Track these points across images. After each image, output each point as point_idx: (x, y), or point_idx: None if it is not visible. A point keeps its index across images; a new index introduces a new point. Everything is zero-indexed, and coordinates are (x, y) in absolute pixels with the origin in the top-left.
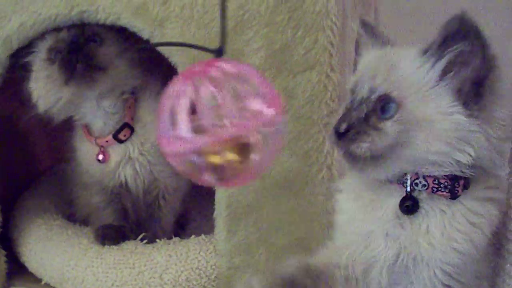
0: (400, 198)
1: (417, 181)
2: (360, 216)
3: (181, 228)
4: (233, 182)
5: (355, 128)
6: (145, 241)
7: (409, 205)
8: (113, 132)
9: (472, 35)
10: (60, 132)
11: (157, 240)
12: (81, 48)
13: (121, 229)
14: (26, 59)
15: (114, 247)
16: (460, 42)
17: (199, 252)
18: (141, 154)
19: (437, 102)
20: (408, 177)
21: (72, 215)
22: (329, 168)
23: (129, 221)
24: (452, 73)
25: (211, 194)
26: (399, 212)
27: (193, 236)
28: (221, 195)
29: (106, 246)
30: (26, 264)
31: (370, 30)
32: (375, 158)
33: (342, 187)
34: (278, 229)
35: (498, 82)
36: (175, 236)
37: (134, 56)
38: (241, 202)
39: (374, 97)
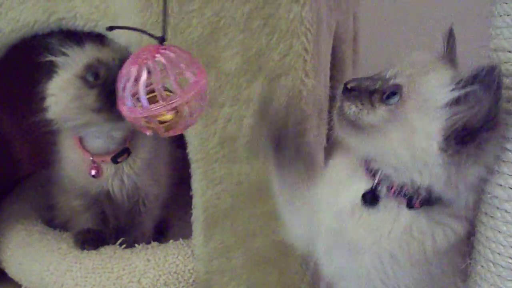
0: (365, 189)
1: (385, 178)
2: (326, 191)
3: (161, 233)
4: (172, 132)
5: (359, 92)
6: (124, 245)
7: (369, 197)
8: (111, 154)
9: (493, 85)
10: (41, 138)
11: (136, 245)
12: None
13: (100, 233)
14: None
15: (93, 251)
16: (481, 86)
17: (177, 257)
18: (131, 169)
19: (430, 121)
20: (380, 171)
21: (52, 220)
22: None
23: (109, 225)
24: (457, 107)
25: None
26: (358, 200)
27: (171, 240)
28: (198, 200)
29: (85, 251)
30: (6, 270)
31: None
32: (356, 127)
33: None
34: (254, 233)
35: (497, 141)
36: (154, 241)
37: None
38: (217, 207)
39: (391, 82)
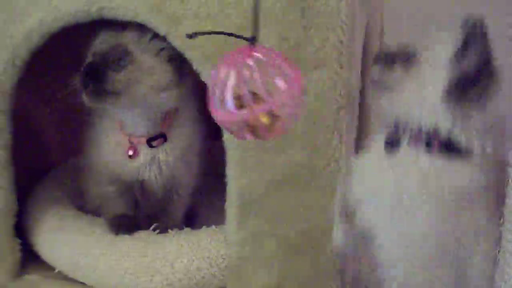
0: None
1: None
2: None
3: (190, 220)
4: (265, 137)
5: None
6: (157, 231)
7: (390, 141)
8: (146, 136)
9: (480, 36)
10: (72, 127)
11: (169, 230)
12: (96, 71)
13: (135, 219)
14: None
15: (127, 236)
16: (472, 39)
17: (210, 242)
18: (166, 160)
19: (438, 75)
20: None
21: (83, 207)
22: (336, 161)
23: (142, 212)
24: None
25: (220, 189)
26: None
27: (204, 226)
28: (233, 187)
29: (119, 235)
30: (40, 253)
31: None
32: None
33: None
34: (285, 221)
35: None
36: (185, 225)
37: (166, 74)
38: (251, 194)
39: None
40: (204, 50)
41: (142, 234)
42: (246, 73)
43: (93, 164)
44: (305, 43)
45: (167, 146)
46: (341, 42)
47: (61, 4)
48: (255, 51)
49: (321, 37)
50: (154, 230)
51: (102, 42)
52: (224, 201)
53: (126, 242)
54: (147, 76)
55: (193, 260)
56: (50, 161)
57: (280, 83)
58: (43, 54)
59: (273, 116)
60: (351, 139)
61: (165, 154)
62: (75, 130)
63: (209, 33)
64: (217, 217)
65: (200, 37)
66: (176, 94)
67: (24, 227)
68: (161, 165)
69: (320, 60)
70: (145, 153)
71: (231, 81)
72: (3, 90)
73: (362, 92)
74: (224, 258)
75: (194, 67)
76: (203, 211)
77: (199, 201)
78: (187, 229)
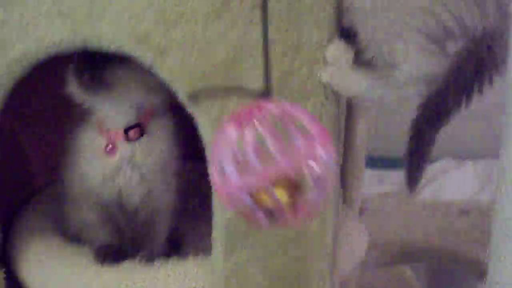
0: None
1: None
2: None
3: (175, 246)
4: (286, 222)
5: None
6: (143, 260)
7: None
8: (123, 126)
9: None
10: (56, 149)
11: (156, 260)
12: (93, 61)
13: (121, 248)
14: None
15: (113, 267)
16: None
17: (196, 272)
18: (144, 162)
19: None
20: None
21: (65, 232)
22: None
23: (125, 239)
24: None
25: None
26: None
27: (190, 256)
28: (219, 218)
29: (105, 266)
30: (25, 281)
31: None
32: None
33: None
34: (275, 249)
35: None
36: (170, 254)
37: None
38: (238, 224)
39: None
40: (191, 83)
41: (128, 264)
42: (258, 133)
43: (71, 185)
44: (290, 76)
45: (144, 147)
46: None
47: (44, 35)
48: (269, 107)
49: (306, 69)
50: (140, 259)
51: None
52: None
53: (112, 273)
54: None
55: None
56: (34, 186)
57: (302, 142)
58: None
59: (293, 193)
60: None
61: (141, 156)
62: (59, 152)
63: (215, 92)
64: (204, 243)
65: (186, 69)
66: (158, 95)
67: (8, 255)
68: (140, 167)
69: (306, 93)
70: (123, 149)
71: (234, 141)
72: None
73: None
74: None
75: (179, 98)
76: (188, 236)
77: (182, 224)
78: (173, 258)
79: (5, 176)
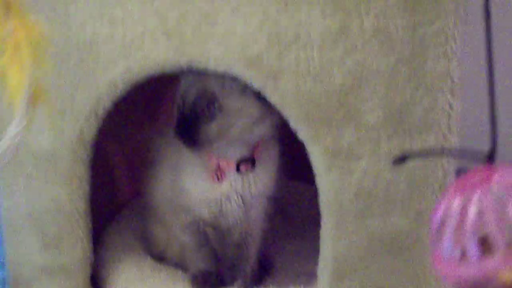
0: None
1: None
2: None
3: (265, 270)
4: None
5: None
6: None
7: None
8: (236, 160)
9: None
10: (142, 162)
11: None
12: (188, 125)
13: (220, 275)
14: None
15: None
16: None
17: None
18: (251, 191)
19: None
20: None
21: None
22: None
23: (220, 265)
24: None
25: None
26: None
27: (291, 286)
28: (328, 251)
29: None
30: None
31: None
32: None
33: None
34: (388, 285)
35: None
36: (261, 278)
37: (256, 110)
38: (347, 259)
39: None
40: (303, 109)
41: None
42: (489, 205)
43: (162, 200)
44: (412, 105)
45: (254, 174)
46: (450, 105)
47: (149, 54)
48: (497, 174)
49: (429, 100)
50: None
51: (188, 87)
52: (298, 244)
53: None
54: (238, 119)
55: None
56: (120, 200)
57: None
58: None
59: None
60: None
61: (252, 183)
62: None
63: (429, 155)
64: (292, 266)
65: (300, 94)
66: (268, 124)
67: (99, 277)
68: (246, 195)
69: (428, 123)
70: (231, 178)
71: (471, 218)
72: (85, 140)
73: None
74: None
75: (291, 125)
76: (277, 259)
77: (270, 246)
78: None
79: (92, 191)
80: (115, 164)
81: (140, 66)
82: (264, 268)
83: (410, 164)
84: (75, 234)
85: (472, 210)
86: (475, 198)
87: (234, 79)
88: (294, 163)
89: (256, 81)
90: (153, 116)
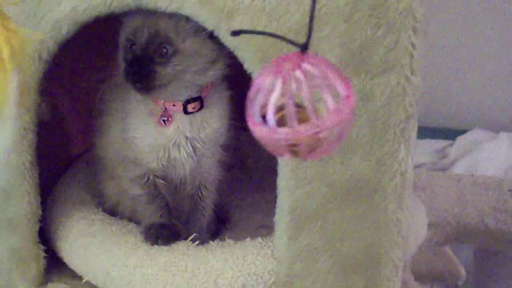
0: None
1: None
2: None
3: (222, 223)
4: (305, 158)
5: None
6: (196, 242)
7: None
8: (183, 100)
9: None
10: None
11: (210, 242)
12: (142, 68)
13: (174, 228)
14: None
15: (165, 247)
16: None
17: (256, 257)
18: (199, 134)
19: None
20: None
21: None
22: (402, 175)
23: (173, 217)
24: None
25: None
26: None
27: (248, 239)
28: (285, 200)
29: (155, 246)
30: (66, 260)
31: None
32: None
33: None
34: (344, 236)
35: None
36: (218, 231)
37: (210, 53)
38: (306, 208)
39: None
40: (259, 49)
41: (180, 246)
42: (293, 85)
43: (110, 152)
44: (373, 44)
45: (202, 116)
46: (413, 44)
47: None
48: (305, 61)
49: (391, 39)
50: (192, 241)
51: (138, 28)
52: (257, 196)
53: (163, 254)
54: (193, 62)
55: (238, 276)
56: (71, 152)
57: (330, 101)
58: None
59: (317, 137)
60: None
61: (199, 126)
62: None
63: (256, 32)
64: (251, 219)
65: (254, 36)
66: (220, 66)
67: (48, 231)
68: (194, 139)
69: (389, 63)
70: (178, 121)
71: (276, 93)
72: (29, 86)
73: None
74: (271, 274)
75: (245, 67)
76: (235, 211)
77: (227, 199)
78: (229, 241)
79: (43, 142)
80: (66, 115)
81: (85, 5)
82: (221, 220)
83: (371, 107)
84: (22, 187)
85: (277, 88)
86: (282, 78)
87: (186, 19)
88: None
89: (209, 21)
90: (102, 63)
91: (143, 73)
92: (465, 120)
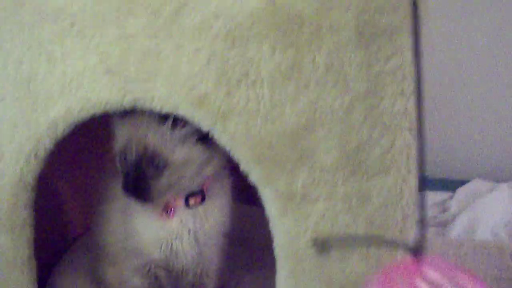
0: None
1: None
2: None
3: None
4: None
5: None
6: None
7: None
8: (184, 196)
9: None
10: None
11: None
12: (138, 182)
13: None
14: None
15: None
16: None
17: None
18: (203, 227)
19: None
20: None
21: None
22: None
23: None
24: None
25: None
26: None
27: None
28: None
29: None
30: None
31: None
32: None
33: None
34: None
35: None
36: None
37: (201, 155)
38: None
39: None
40: (254, 151)
41: None
42: None
43: (112, 241)
44: (369, 146)
45: (205, 209)
46: (409, 145)
47: (90, 93)
48: (425, 267)
49: (387, 140)
50: None
51: (127, 146)
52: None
53: None
54: (186, 169)
55: None
56: (70, 234)
57: None
58: None
59: None
60: None
61: (202, 218)
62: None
63: (352, 241)
64: None
65: (248, 135)
66: (216, 163)
67: None
68: (197, 231)
69: (386, 164)
70: (181, 214)
71: None
72: (26, 183)
73: None
74: None
75: (241, 168)
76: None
77: (227, 277)
78: None
79: (42, 225)
80: (65, 198)
81: (80, 105)
82: None
83: (369, 208)
84: (19, 281)
85: None
86: None
87: (175, 124)
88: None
89: (203, 122)
90: (101, 152)
91: (138, 188)
92: (465, 171)
